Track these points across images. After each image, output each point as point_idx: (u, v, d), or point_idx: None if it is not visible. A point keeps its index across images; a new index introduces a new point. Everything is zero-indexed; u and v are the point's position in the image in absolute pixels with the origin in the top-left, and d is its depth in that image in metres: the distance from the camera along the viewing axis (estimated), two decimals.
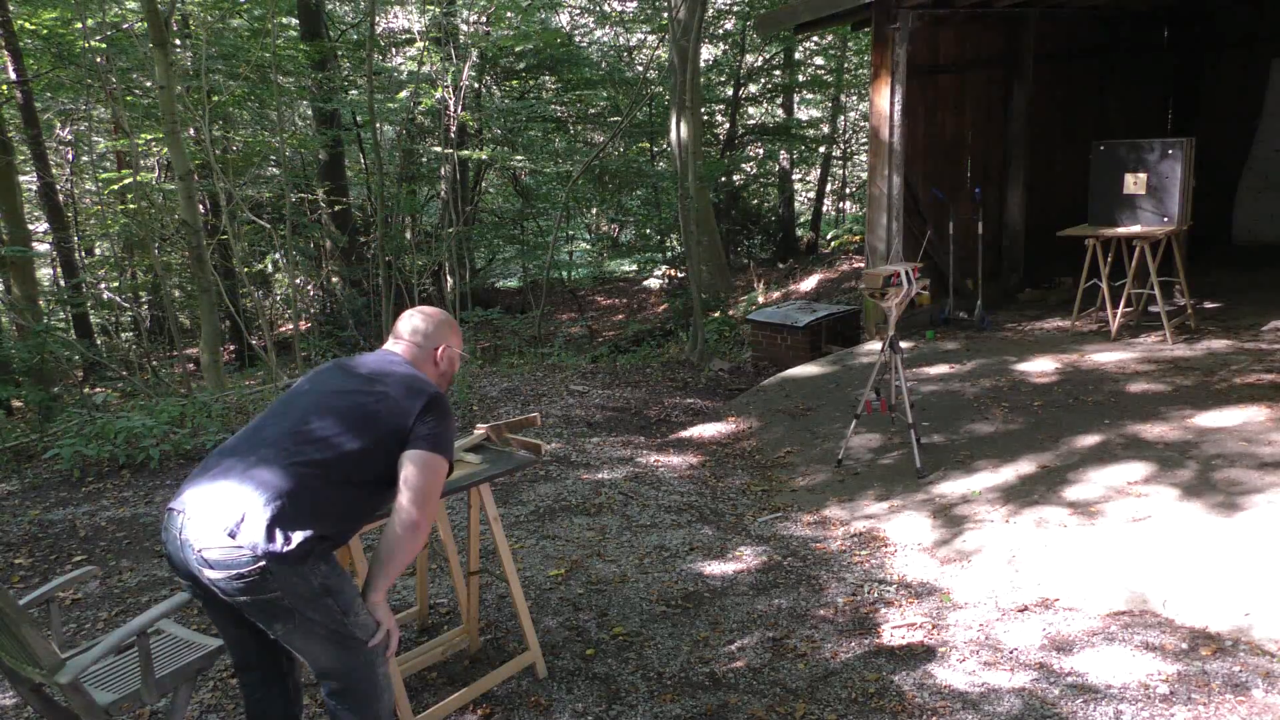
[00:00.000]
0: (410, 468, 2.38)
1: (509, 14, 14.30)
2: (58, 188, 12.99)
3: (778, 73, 16.99)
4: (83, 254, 13.91)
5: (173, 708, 2.68)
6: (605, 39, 17.81)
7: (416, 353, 2.69)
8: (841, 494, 5.10)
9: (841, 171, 20.70)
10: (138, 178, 9.74)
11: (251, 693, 2.55)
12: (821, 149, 17.82)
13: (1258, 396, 5.36)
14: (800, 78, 17.13)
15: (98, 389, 9.61)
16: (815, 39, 16.38)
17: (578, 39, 16.77)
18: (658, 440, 6.37)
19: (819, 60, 17.72)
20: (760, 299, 11.73)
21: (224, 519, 2.19)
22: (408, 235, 12.83)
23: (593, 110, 16.84)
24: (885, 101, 7.28)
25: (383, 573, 2.36)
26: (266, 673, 2.52)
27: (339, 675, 2.35)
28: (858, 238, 14.72)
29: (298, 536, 2.20)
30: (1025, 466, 4.95)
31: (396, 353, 2.68)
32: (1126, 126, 9.87)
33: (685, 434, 6.53)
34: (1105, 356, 6.51)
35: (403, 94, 12.23)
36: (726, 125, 16.60)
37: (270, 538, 2.17)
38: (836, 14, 7.48)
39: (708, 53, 16.23)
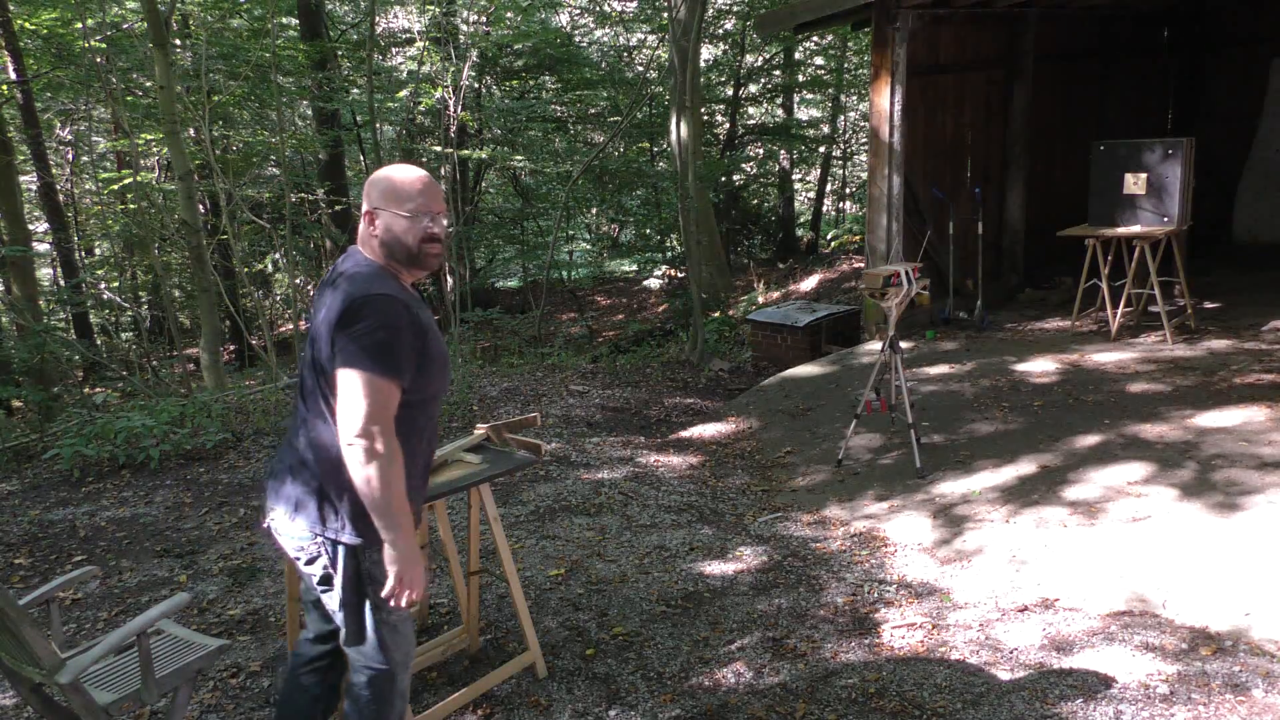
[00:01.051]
0: (338, 397, 2.12)
1: (509, 14, 14.30)
2: (58, 188, 12.99)
3: (778, 73, 16.98)
4: (83, 254, 13.91)
5: (173, 708, 2.69)
6: (605, 39, 17.80)
7: (360, 231, 2.27)
8: (841, 494, 5.10)
9: (841, 171, 20.70)
10: (138, 178, 9.74)
11: (295, 671, 2.56)
12: (821, 149, 17.81)
13: (1258, 396, 5.36)
14: (800, 78, 17.12)
15: (98, 389, 9.61)
16: (815, 39, 16.37)
17: (578, 39, 16.77)
18: (658, 440, 6.37)
19: (819, 60, 17.70)
20: (760, 299, 11.73)
21: (286, 502, 2.30)
22: None
23: (593, 110, 16.83)
24: (885, 101, 7.28)
25: (373, 517, 2.15)
26: (320, 657, 2.54)
27: (360, 666, 2.35)
28: (858, 238, 14.72)
29: (344, 511, 2.23)
30: (1025, 466, 4.95)
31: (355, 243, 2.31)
32: (1126, 126, 9.87)
33: (685, 434, 6.53)
34: (1105, 356, 6.51)
35: (403, 94, 12.23)
36: (726, 125, 16.60)
37: (321, 519, 2.25)
38: (836, 14, 7.48)
39: (708, 53, 16.23)
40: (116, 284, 13.42)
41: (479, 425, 3.37)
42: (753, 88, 17.07)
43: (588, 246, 19.46)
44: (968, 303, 8.10)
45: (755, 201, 17.66)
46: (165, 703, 2.75)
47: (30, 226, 11.53)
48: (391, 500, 2.11)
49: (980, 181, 8.52)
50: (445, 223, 2.23)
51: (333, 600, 2.30)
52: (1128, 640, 3.37)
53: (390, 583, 2.18)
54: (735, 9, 15.60)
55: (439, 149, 12.21)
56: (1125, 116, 10.27)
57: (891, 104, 7.27)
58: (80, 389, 9.50)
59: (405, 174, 2.19)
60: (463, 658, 3.45)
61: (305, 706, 2.54)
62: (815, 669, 3.33)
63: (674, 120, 10.90)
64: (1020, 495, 4.66)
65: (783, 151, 16.99)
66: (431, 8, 12.78)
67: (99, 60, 9.62)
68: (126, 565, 4.37)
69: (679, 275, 13.71)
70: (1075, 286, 7.50)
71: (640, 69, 16.13)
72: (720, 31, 16.05)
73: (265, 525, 2.38)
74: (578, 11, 17.39)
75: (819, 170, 18.79)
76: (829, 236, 16.87)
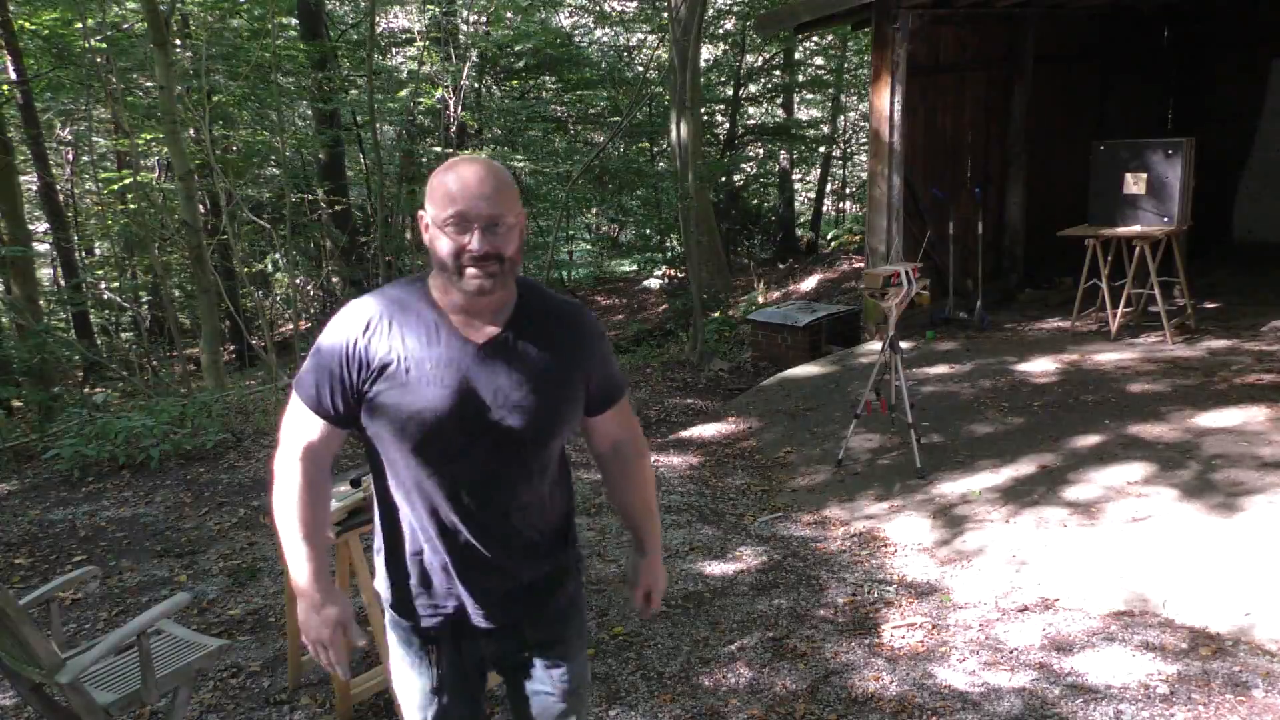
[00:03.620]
0: None
1: (509, 14, 14.30)
2: (58, 188, 12.99)
3: (778, 73, 16.97)
4: (83, 254, 13.91)
5: (173, 708, 2.69)
6: (605, 39, 17.80)
7: None
8: (841, 494, 5.10)
9: (841, 171, 20.69)
10: (138, 178, 9.74)
11: None
12: (821, 149, 17.81)
13: (1258, 396, 5.36)
14: (800, 78, 17.12)
15: (98, 389, 9.62)
16: (815, 39, 16.36)
17: (578, 39, 16.77)
18: (658, 440, 6.37)
19: (819, 60, 17.70)
20: (760, 299, 11.72)
21: None
22: (408, 235, 12.83)
23: (593, 110, 16.83)
24: (885, 102, 7.28)
25: None
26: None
27: None
28: (858, 238, 14.71)
29: None
30: (1025, 467, 4.95)
31: None
32: (1127, 126, 9.86)
33: (685, 434, 6.53)
34: (1105, 356, 6.51)
35: (403, 94, 12.23)
36: (726, 125, 16.60)
37: None
38: (836, 14, 7.48)
39: (708, 53, 16.22)
40: (116, 284, 13.41)
41: None
42: (753, 88, 17.06)
43: (588, 246, 19.46)
44: (968, 303, 8.09)
45: (755, 201, 17.65)
46: (165, 703, 2.74)
47: (30, 226, 11.52)
48: (281, 528, 1.80)
49: (980, 181, 8.51)
50: (504, 232, 1.68)
51: None
52: (1128, 640, 3.37)
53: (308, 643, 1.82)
54: (735, 9, 15.60)
55: (439, 149, 12.20)
56: (1125, 116, 10.26)
57: (891, 104, 7.27)
58: (80, 389, 9.50)
59: (452, 170, 1.71)
60: None
61: None
62: (815, 669, 3.33)
63: (674, 120, 10.89)
64: (1020, 495, 4.65)
65: (783, 151, 16.99)
66: (431, 8, 12.78)
67: (99, 60, 9.62)
68: (126, 565, 4.37)
69: (679, 275, 13.70)
70: (1075, 286, 7.49)
71: (640, 69, 16.12)
72: (720, 31, 16.04)
73: None
74: (577, 11, 17.39)
75: (819, 170, 18.78)
76: (829, 236, 16.86)
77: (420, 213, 1.75)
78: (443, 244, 1.69)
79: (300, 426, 1.80)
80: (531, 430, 1.76)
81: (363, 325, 1.74)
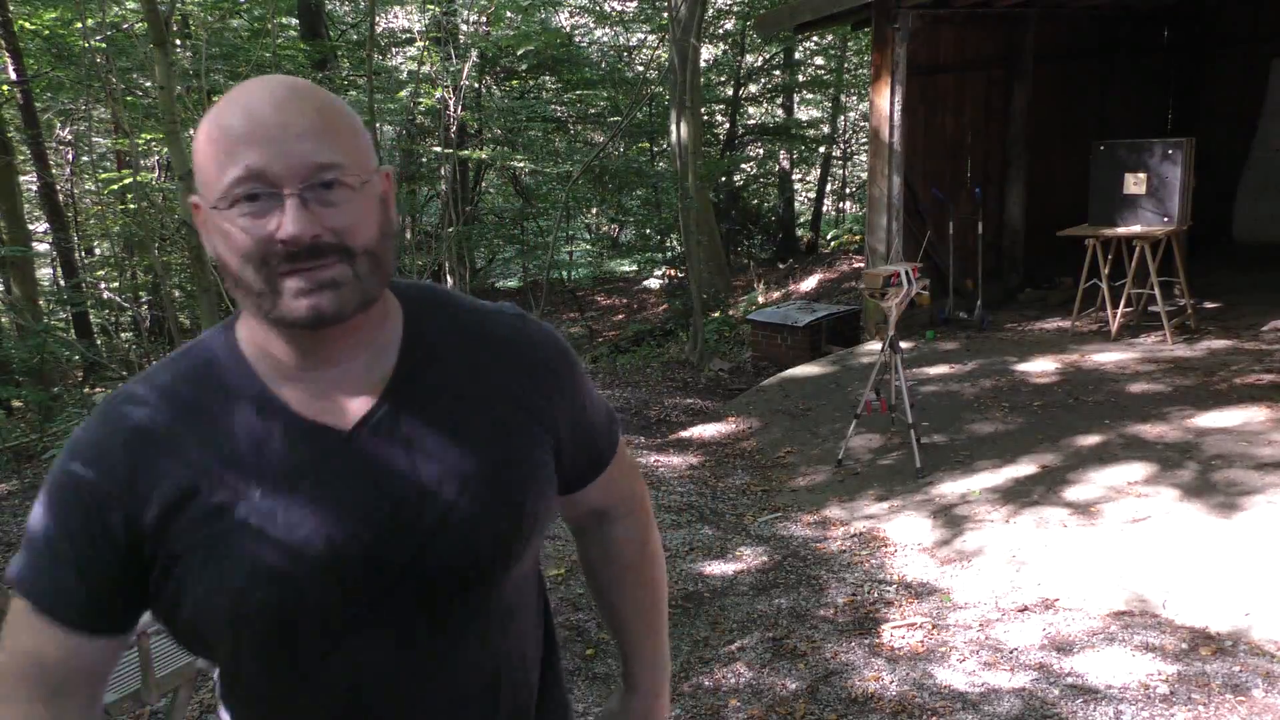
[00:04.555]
0: None
1: (509, 14, 14.31)
2: (58, 188, 12.99)
3: (778, 73, 16.99)
4: (83, 254, 13.92)
5: (173, 708, 2.69)
6: (605, 39, 17.81)
7: None
8: (841, 494, 5.10)
9: (841, 171, 20.69)
10: (138, 178, 9.74)
11: None
12: (821, 149, 17.82)
13: (1258, 396, 5.36)
14: (800, 78, 17.13)
15: (98, 389, 9.61)
16: (815, 39, 16.37)
17: (578, 39, 16.78)
18: (658, 440, 6.37)
19: (819, 60, 17.71)
20: (760, 299, 11.73)
21: None
22: (408, 235, 12.83)
23: (593, 110, 16.84)
24: (885, 102, 7.28)
25: None
26: None
27: None
28: (858, 238, 14.72)
29: None
30: (1025, 467, 4.95)
31: None
32: (1127, 126, 9.86)
33: (685, 434, 6.53)
34: (1105, 356, 6.51)
35: (403, 94, 12.23)
36: (726, 125, 16.60)
37: None
38: (836, 14, 7.49)
39: (708, 53, 16.22)
40: (116, 284, 13.42)
41: None
42: (753, 88, 17.07)
43: (588, 246, 19.46)
44: (968, 303, 8.09)
45: (755, 201, 17.65)
46: (165, 703, 2.74)
47: (30, 226, 11.54)
48: None
49: (980, 181, 8.51)
50: (343, 198, 0.89)
51: None
52: (1128, 640, 3.37)
53: None
54: (735, 9, 15.60)
55: (439, 149, 12.20)
56: (1125, 116, 10.26)
57: (891, 104, 7.27)
58: (80, 389, 9.50)
59: (232, 100, 0.90)
60: None
61: None
62: (815, 669, 3.33)
63: (674, 120, 10.90)
64: (1020, 495, 4.65)
65: (783, 151, 17.00)
66: (431, 8, 12.78)
67: (99, 60, 9.61)
68: None
69: (679, 275, 13.70)
70: (1075, 286, 7.50)
71: (640, 69, 16.13)
72: (720, 31, 16.05)
73: None
74: (577, 11, 17.40)
75: (819, 170, 18.78)
76: (829, 236, 16.87)
77: (192, 200, 0.93)
78: (231, 241, 0.88)
79: (25, 643, 0.95)
80: (477, 555, 0.96)
81: (120, 448, 0.93)
